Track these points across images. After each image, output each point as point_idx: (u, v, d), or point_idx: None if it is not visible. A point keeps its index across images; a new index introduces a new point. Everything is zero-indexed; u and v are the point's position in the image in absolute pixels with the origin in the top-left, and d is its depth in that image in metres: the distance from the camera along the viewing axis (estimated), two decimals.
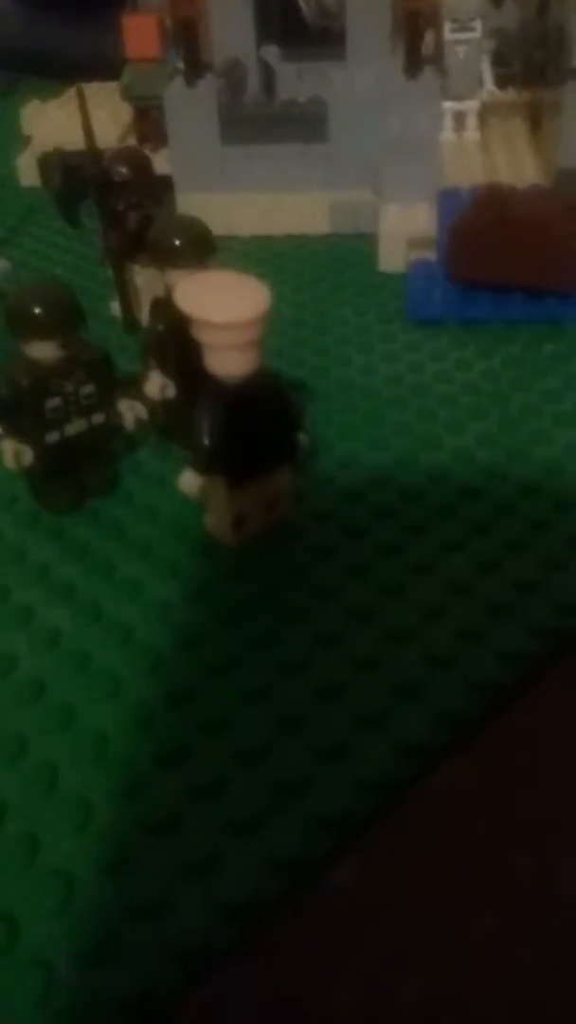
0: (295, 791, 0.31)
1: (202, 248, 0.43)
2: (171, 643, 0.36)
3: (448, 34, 0.70)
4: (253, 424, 0.38)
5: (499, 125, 0.77)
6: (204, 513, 0.41)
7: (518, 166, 0.70)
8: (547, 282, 0.54)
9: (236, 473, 0.39)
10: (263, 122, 0.66)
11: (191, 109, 0.65)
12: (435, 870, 0.29)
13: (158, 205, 0.53)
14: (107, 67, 0.77)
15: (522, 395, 0.49)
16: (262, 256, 0.65)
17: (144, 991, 0.26)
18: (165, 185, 0.60)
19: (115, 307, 0.55)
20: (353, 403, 0.49)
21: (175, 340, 0.42)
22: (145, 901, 0.28)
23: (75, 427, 0.41)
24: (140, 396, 0.44)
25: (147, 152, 0.63)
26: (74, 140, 0.54)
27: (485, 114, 0.75)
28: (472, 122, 0.73)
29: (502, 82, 0.78)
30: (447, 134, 0.72)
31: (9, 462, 0.40)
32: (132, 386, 0.44)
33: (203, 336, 0.37)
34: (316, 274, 0.63)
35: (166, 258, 0.43)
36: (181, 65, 0.65)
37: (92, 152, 0.51)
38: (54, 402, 0.40)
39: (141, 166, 0.55)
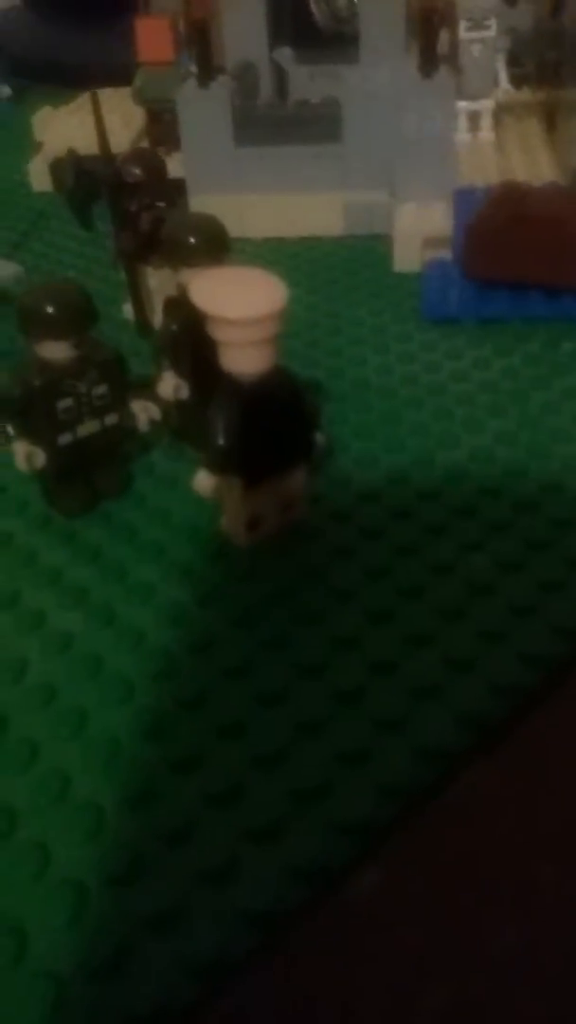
0: (314, 797, 0.30)
1: (217, 246, 0.42)
2: (184, 646, 0.36)
3: (463, 33, 0.69)
4: (268, 423, 0.37)
5: (514, 125, 0.76)
6: (218, 514, 0.40)
7: (533, 166, 0.69)
8: (564, 280, 0.54)
9: (251, 473, 0.38)
10: (276, 123, 0.65)
11: (204, 112, 0.65)
12: (458, 879, 0.28)
13: (171, 207, 0.53)
14: (119, 73, 0.77)
15: (542, 393, 0.48)
16: (276, 258, 0.65)
17: (158, 1005, 0.25)
18: (178, 187, 0.60)
19: (127, 310, 0.54)
20: (369, 403, 0.49)
21: (189, 339, 0.41)
22: (159, 912, 0.27)
23: (88, 428, 0.41)
24: (154, 397, 0.43)
25: (161, 156, 0.62)
26: (86, 146, 0.53)
27: (500, 114, 0.75)
28: (487, 122, 0.73)
29: (517, 82, 0.77)
30: (462, 134, 0.71)
31: (21, 464, 0.40)
32: (145, 387, 0.43)
33: (218, 333, 0.36)
34: (330, 275, 0.63)
35: (180, 256, 0.42)
36: (193, 68, 0.65)
37: (105, 153, 0.50)
38: (66, 403, 0.40)
39: (154, 168, 0.54)
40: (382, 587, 0.38)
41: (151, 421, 0.43)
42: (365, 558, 0.39)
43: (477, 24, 0.69)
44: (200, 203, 0.65)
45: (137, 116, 0.77)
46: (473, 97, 0.72)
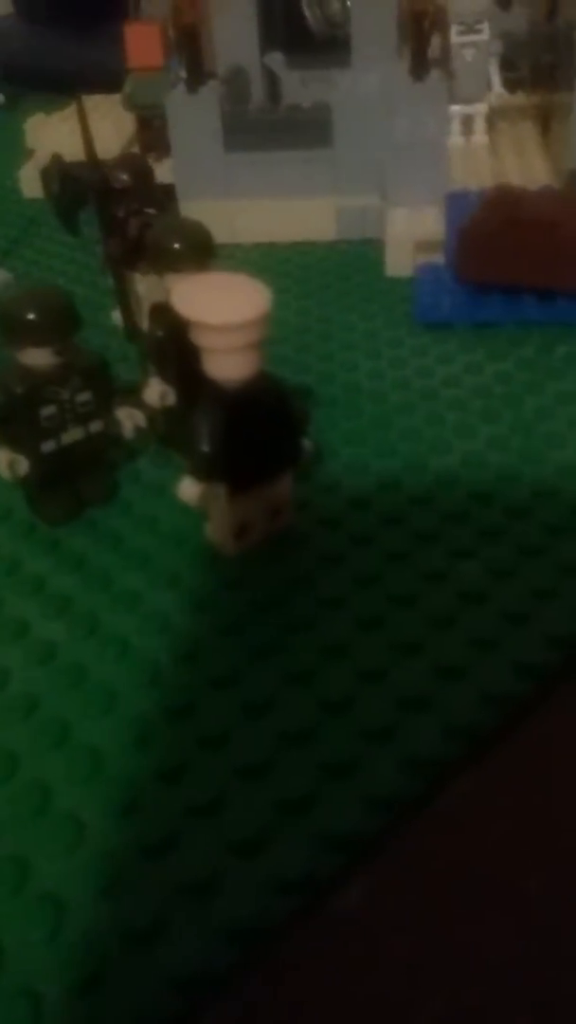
0: (299, 809, 0.29)
1: (202, 252, 0.42)
2: (170, 655, 0.35)
3: (455, 37, 0.69)
4: (254, 429, 0.37)
5: (508, 129, 0.76)
6: (205, 522, 0.40)
7: (528, 169, 0.69)
8: (558, 283, 0.53)
9: (237, 480, 0.37)
10: (267, 128, 0.65)
11: (193, 117, 0.65)
12: (448, 890, 0.28)
13: (161, 212, 0.52)
14: (109, 79, 0.77)
15: (535, 398, 0.48)
16: (267, 263, 0.64)
17: (140, 1021, 0.25)
18: (167, 192, 0.60)
19: (116, 316, 0.54)
20: (360, 408, 0.48)
21: (175, 346, 0.41)
22: (141, 925, 0.27)
23: (72, 436, 0.40)
24: (140, 403, 0.43)
25: (151, 162, 0.62)
26: (77, 153, 0.53)
27: (493, 118, 0.74)
28: (480, 126, 0.72)
29: (511, 85, 0.76)
30: (455, 138, 0.71)
31: (4, 472, 0.39)
32: (131, 393, 0.43)
33: (201, 339, 0.36)
34: (322, 280, 0.62)
35: (165, 262, 0.42)
36: (183, 73, 0.65)
37: (92, 159, 0.50)
38: (49, 410, 0.39)
39: (142, 173, 0.53)
40: (372, 594, 0.37)
41: (137, 428, 0.42)
42: (355, 565, 0.38)
43: (469, 28, 0.69)
44: (191, 209, 0.64)
45: (128, 123, 0.76)
46: (466, 101, 0.71)
